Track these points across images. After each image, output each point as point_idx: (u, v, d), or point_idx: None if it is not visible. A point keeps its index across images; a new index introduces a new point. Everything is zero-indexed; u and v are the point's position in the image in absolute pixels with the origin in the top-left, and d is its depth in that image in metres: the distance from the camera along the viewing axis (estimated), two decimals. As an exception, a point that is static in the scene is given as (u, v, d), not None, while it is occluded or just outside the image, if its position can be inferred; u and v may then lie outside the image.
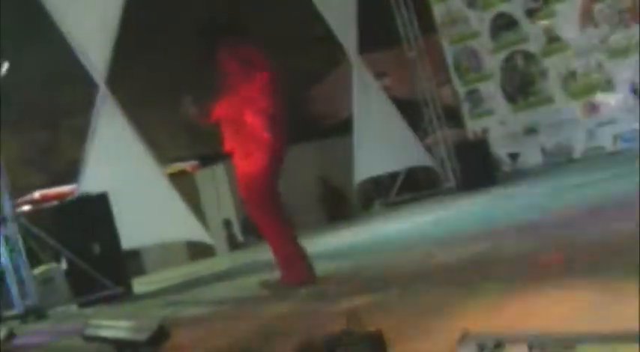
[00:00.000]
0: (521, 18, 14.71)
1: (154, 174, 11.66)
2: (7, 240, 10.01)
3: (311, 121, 25.30)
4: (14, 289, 9.93)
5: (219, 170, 17.10)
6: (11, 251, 10.03)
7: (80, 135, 11.93)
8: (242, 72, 6.46)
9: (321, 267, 6.68)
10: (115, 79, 11.78)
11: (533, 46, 14.67)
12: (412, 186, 15.24)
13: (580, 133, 14.07)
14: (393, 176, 15.27)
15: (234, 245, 16.47)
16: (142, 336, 4.49)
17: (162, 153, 22.13)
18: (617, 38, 13.48)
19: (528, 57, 14.82)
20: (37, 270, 10.39)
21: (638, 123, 12.99)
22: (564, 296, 3.86)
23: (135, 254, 14.48)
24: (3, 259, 10.13)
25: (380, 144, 14.23)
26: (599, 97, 13.86)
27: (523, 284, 4.42)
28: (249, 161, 6.37)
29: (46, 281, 10.37)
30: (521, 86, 14.98)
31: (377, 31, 16.83)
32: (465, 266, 5.64)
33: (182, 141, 24.87)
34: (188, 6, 20.52)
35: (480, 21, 15.37)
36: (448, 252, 6.49)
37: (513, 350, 2.75)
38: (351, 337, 3.53)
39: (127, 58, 14.67)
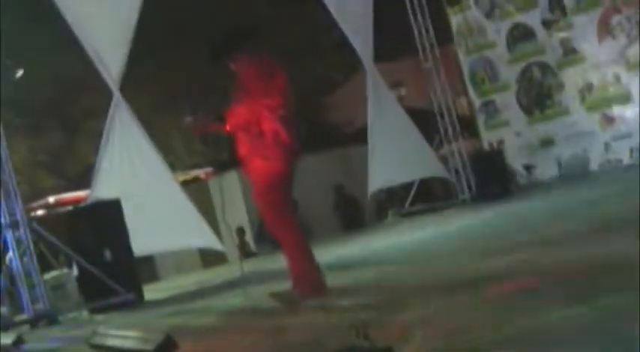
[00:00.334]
0: (539, 29, 14.65)
1: (167, 180, 11.63)
2: (18, 244, 10.00)
3: (327, 129, 25.30)
4: (25, 294, 9.91)
5: (232, 177, 17.07)
6: (22, 255, 10.01)
7: (97, 140, 11.94)
8: (259, 78, 6.42)
9: (332, 278, 6.61)
10: (130, 86, 11.81)
11: (550, 58, 14.60)
12: (426, 197, 15.16)
13: (596, 146, 13.98)
14: (407, 186, 15.19)
15: (246, 253, 16.44)
16: (149, 346, 4.45)
17: (177, 159, 22.25)
18: (635, 51, 13.38)
19: (545, 68, 14.74)
20: (49, 275, 10.37)
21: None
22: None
23: (148, 260, 14.49)
24: (14, 263, 10.12)
25: (394, 154, 14.15)
26: (616, 110, 13.76)
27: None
28: (266, 165, 6.32)
29: (57, 286, 10.34)
30: (538, 98, 14.90)
31: (393, 40, 16.82)
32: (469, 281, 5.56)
33: (197, 148, 24.88)
34: (204, 13, 20.65)
35: (496, 32, 15.32)
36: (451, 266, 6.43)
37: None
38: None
39: (142, 64, 14.76)
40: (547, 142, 14.74)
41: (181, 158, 22.59)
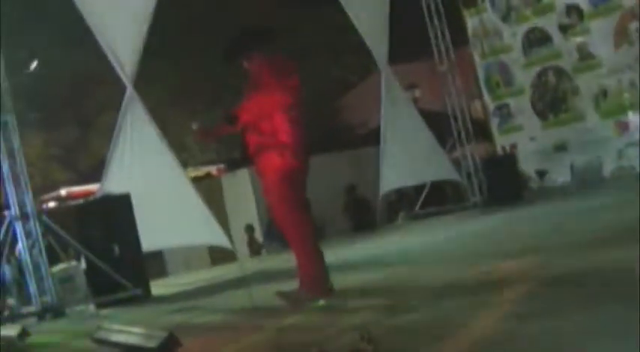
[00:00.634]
0: (555, 33, 14.58)
1: (178, 176, 11.61)
2: (28, 236, 10.01)
3: (341, 130, 25.30)
4: (32, 286, 9.92)
5: (244, 174, 17.08)
6: (32, 247, 10.03)
7: (110, 135, 11.94)
8: (273, 77, 6.42)
9: (340, 279, 6.58)
10: (143, 81, 11.80)
11: (566, 63, 14.53)
12: (437, 200, 15.10)
13: (610, 152, 13.90)
14: (418, 188, 15.14)
15: (255, 250, 16.44)
16: (152, 343, 4.43)
17: (190, 156, 22.31)
18: (652, 57, 13.32)
19: (560, 73, 14.68)
20: (57, 268, 10.37)
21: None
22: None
23: (157, 255, 14.49)
24: (23, 255, 10.14)
25: (407, 156, 14.11)
26: (631, 117, 13.67)
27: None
28: (279, 162, 6.30)
29: (65, 279, 10.34)
30: (552, 102, 14.83)
31: (409, 42, 16.76)
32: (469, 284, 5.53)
33: (210, 145, 24.92)
34: (219, 11, 20.67)
35: (512, 35, 15.27)
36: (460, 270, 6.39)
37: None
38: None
39: (156, 60, 14.76)
40: (560, 148, 14.68)
41: (194, 154, 22.64)
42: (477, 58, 15.87)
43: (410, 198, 16.00)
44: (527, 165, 14.81)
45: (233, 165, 19.68)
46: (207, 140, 6.84)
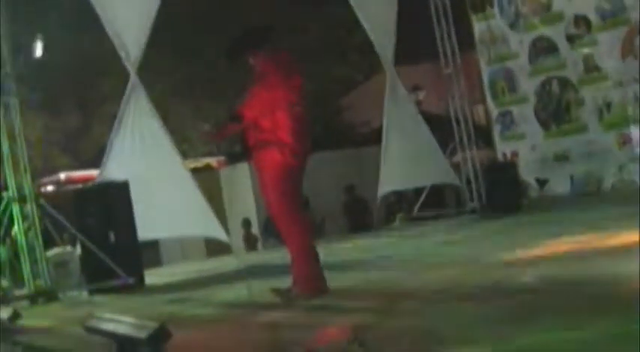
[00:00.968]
0: (562, 43, 14.53)
1: (177, 167, 11.59)
2: (25, 219, 10.01)
3: (343, 128, 25.29)
4: (26, 269, 9.92)
5: (244, 168, 17.06)
6: (28, 230, 10.03)
7: (112, 123, 11.95)
8: (278, 73, 6.42)
9: (335, 279, 6.57)
10: (147, 70, 11.80)
11: (571, 73, 14.48)
12: (435, 203, 15.07)
13: (611, 165, 13.85)
14: (417, 191, 15.12)
15: (251, 245, 16.43)
16: (143, 334, 4.41)
17: (190, 146, 22.28)
18: (658, 72, 13.29)
19: (565, 83, 14.63)
20: (52, 252, 10.38)
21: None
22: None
23: (153, 244, 14.48)
24: (18, 237, 10.13)
25: (407, 157, 14.08)
26: (634, 130, 13.64)
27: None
28: (279, 158, 6.30)
29: (59, 264, 10.38)
30: (556, 112, 14.79)
31: (415, 44, 16.75)
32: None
33: (201, 126, 24.91)
34: (227, 6, 20.67)
35: (519, 43, 15.21)
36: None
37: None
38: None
39: (161, 50, 14.75)
40: (561, 158, 14.64)
41: (194, 145, 22.61)
42: (482, 64, 15.82)
43: (408, 200, 15.98)
44: (528, 174, 14.76)
45: (233, 159, 19.65)
46: (216, 140, 6.85)
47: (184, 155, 13.65)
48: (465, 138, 14.63)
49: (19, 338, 6.27)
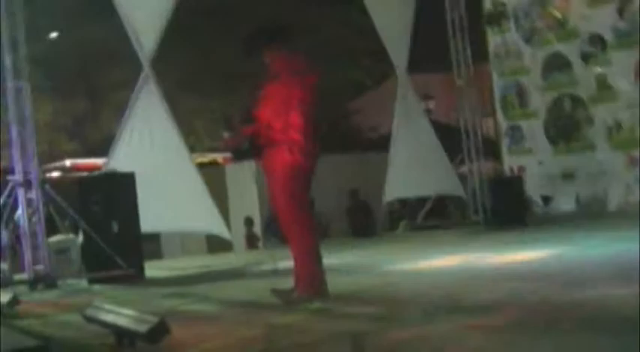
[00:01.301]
0: (576, 61, 14.52)
1: (184, 161, 11.61)
2: (29, 203, 10.01)
3: (350, 132, 25.27)
4: (27, 254, 9.93)
5: (250, 166, 17.00)
6: (31, 215, 10.03)
7: (121, 112, 11.97)
8: (293, 73, 6.40)
9: (335, 282, 6.55)
10: (160, 62, 11.80)
11: (583, 91, 14.47)
12: (439, 213, 15.07)
13: (618, 186, 13.84)
14: (421, 199, 15.11)
15: (252, 243, 16.42)
16: (142, 328, 4.41)
17: (197, 139, 22.29)
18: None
19: (576, 101, 14.62)
20: (53, 239, 10.38)
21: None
22: None
23: (154, 237, 14.47)
24: (22, 222, 10.14)
25: (414, 166, 14.08)
26: (645, 153, 13.61)
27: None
28: (290, 158, 6.27)
29: (60, 250, 10.37)
30: (565, 129, 14.78)
31: (428, 53, 16.75)
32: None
33: (219, 132, 24.89)
34: (244, 4, 20.68)
35: (533, 58, 15.20)
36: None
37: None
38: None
39: (175, 43, 14.74)
40: (568, 176, 14.62)
41: (202, 140, 22.61)
42: (495, 76, 15.81)
43: (412, 209, 15.97)
44: (533, 190, 14.74)
45: (240, 156, 19.60)
46: (234, 146, 6.78)
47: (191, 148, 13.66)
48: (473, 150, 14.62)
49: (17, 322, 6.27)
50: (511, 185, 14.05)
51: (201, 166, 14.45)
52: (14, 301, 7.32)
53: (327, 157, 6.56)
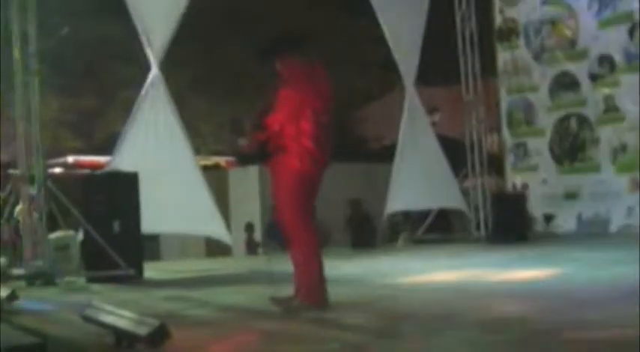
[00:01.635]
0: (584, 81, 14.52)
1: (189, 163, 11.59)
2: (31, 199, 9.99)
3: (354, 142, 25.22)
4: (27, 249, 9.91)
5: (254, 171, 17.03)
6: (33, 210, 10.01)
7: (127, 110, 11.94)
8: (307, 80, 6.38)
9: (335, 292, 6.52)
10: (169, 63, 11.79)
11: (590, 112, 14.47)
12: (441, 227, 15.03)
13: (620, 208, 13.81)
14: (423, 213, 15.08)
15: (252, 249, 16.38)
16: (142, 331, 4.38)
17: (202, 142, 22.25)
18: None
19: (583, 121, 14.61)
20: (54, 235, 10.35)
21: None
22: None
23: (153, 238, 14.44)
24: (22, 217, 10.12)
25: (419, 178, 14.06)
26: (646, 176, 13.58)
27: None
28: (300, 165, 6.24)
29: (60, 247, 10.33)
30: (571, 149, 14.77)
31: (434, 66, 16.74)
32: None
33: (224, 135, 24.87)
34: (255, 10, 20.69)
35: (542, 75, 15.21)
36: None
37: None
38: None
39: (185, 44, 14.72)
40: (571, 195, 14.61)
41: (207, 143, 22.57)
42: (502, 93, 15.80)
43: (413, 221, 15.94)
44: (536, 208, 14.71)
45: (243, 160, 19.60)
46: (247, 152, 6.75)
47: (196, 151, 13.62)
48: (477, 165, 14.61)
49: (15, 318, 6.24)
50: (514, 202, 14.05)
51: (204, 169, 14.42)
52: (13, 296, 7.30)
53: (331, 165, 6.52)
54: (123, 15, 11.78)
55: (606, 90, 14.28)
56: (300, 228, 6.31)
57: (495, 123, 16.58)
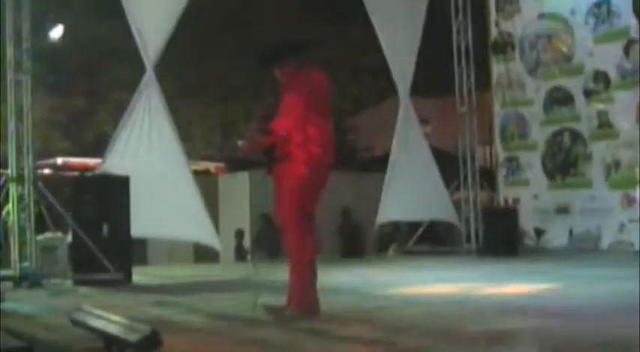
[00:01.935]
0: (578, 96, 14.49)
1: (181, 168, 11.48)
2: (20, 199, 9.89)
3: (344, 151, 25.16)
4: (14, 250, 9.79)
5: (244, 177, 16.95)
6: (21, 211, 9.90)
7: (118, 112, 11.85)
8: (310, 87, 6.32)
9: (326, 302, 6.44)
10: (162, 66, 11.70)
11: (584, 127, 14.43)
12: (431, 239, 14.97)
13: (611, 225, 13.75)
14: (414, 224, 15.01)
15: (241, 256, 16.29)
16: (133, 337, 4.27)
17: (193, 147, 22.15)
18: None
19: (576, 137, 14.58)
20: (41, 236, 10.23)
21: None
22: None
23: (141, 242, 14.31)
24: (11, 217, 10.00)
25: (410, 189, 13.99)
26: (638, 193, 13.54)
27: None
28: (305, 172, 6.18)
29: (47, 249, 10.22)
30: (563, 164, 14.73)
31: (426, 77, 16.72)
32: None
33: (214, 141, 24.81)
34: (251, 17, 20.67)
35: (536, 90, 15.17)
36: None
37: None
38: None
39: (179, 48, 14.66)
40: (562, 210, 14.56)
41: (197, 148, 22.49)
42: (496, 106, 15.76)
43: (403, 232, 15.87)
44: (526, 222, 14.65)
45: (233, 166, 19.53)
46: (246, 153, 6.66)
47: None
48: (469, 178, 14.57)
49: (1, 321, 6.12)
50: (505, 215, 14.02)
51: (193, 174, 14.33)
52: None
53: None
54: (117, 15, 11.70)
55: (600, 106, 14.24)
56: (299, 235, 6.25)
57: (488, 137, 16.54)
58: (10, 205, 10.05)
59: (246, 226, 16.75)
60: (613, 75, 14.02)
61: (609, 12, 14.09)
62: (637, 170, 13.59)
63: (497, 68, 15.80)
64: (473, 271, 10.83)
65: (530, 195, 15.08)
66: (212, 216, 12.32)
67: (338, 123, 24.92)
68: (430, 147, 15.36)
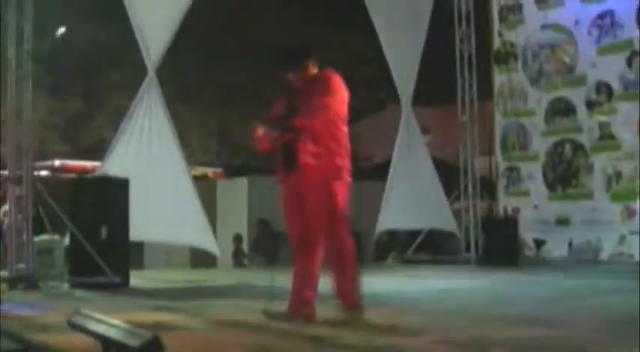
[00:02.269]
0: (580, 107, 14.43)
1: (181, 172, 11.42)
2: (18, 200, 9.83)
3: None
4: (11, 252, 9.73)
5: (242, 183, 16.91)
6: (19, 212, 9.84)
7: (116, 116, 11.79)
8: (330, 90, 6.29)
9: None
10: (163, 70, 11.65)
11: (585, 139, 14.37)
12: (430, 247, 14.90)
13: (612, 237, 13.70)
14: (413, 233, 14.95)
15: (239, 261, 16.24)
16: (134, 342, 4.18)
17: (191, 152, 22.12)
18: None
19: (577, 148, 14.52)
20: (38, 238, 10.16)
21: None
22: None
23: (138, 245, 14.23)
24: (8, 219, 9.95)
25: (411, 198, 13.94)
26: (639, 205, 13.49)
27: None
28: (336, 175, 6.20)
29: (44, 251, 10.17)
30: (564, 175, 14.67)
31: (427, 86, 16.67)
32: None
33: (212, 146, 24.78)
34: (252, 25, 20.65)
35: (537, 100, 15.12)
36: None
37: None
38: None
39: (181, 53, 14.63)
40: (562, 222, 14.50)
41: (195, 153, 22.45)
42: (497, 116, 15.71)
43: (402, 241, 15.81)
44: (526, 232, 14.58)
45: (231, 172, 19.50)
46: (266, 148, 6.52)
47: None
48: (469, 188, 14.51)
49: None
50: (505, 226, 13.95)
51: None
52: (-5, 300, 7.11)
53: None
54: (119, 19, 11.66)
55: (602, 118, 14.18)
56: (311, 242, 6.23)
57: (488, 147, 16.48)
58: (8, 205, 9.98)
59: (244, 231, 16.69)
60: (616, 86, 13.97)
61: (613, 23, 14.04)
62: (637, 182, 13.55)
63: (499, 78, 15.76)
64: (471, 280, 10.78)
65: (531, 205, 15.03)
66: (210, 221, 12.28)
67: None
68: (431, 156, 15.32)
